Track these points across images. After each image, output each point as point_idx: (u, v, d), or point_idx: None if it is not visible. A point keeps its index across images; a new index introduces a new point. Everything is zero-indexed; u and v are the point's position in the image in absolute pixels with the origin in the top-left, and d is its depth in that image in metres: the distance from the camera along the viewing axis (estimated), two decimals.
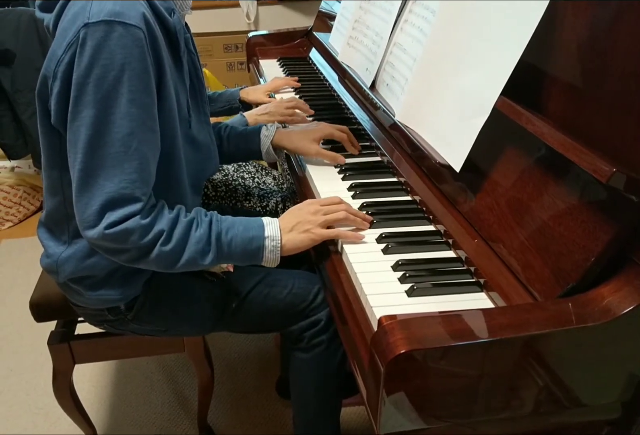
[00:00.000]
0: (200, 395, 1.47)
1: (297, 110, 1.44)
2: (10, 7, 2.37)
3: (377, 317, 0.74)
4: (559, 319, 0.65)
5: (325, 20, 2.04)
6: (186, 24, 1.04)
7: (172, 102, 0.93)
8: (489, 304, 0.80)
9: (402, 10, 1.26)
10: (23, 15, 2.27)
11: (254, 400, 1.63)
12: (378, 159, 1.26)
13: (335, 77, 1.75)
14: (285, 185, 1.62)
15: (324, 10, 2.10)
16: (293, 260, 1.40)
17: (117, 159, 0.84)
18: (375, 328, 0.77)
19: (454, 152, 0.91)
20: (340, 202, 1.00)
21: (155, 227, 0.89)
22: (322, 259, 1.00)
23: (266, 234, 0.95)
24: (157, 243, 0.89)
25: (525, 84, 0.86)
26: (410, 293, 0.80)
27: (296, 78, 1.73)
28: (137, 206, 0.87)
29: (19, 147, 2.42)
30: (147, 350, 1.35)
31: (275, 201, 1.51)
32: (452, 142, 0.93)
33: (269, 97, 1.65)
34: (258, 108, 1.51)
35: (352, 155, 1.26)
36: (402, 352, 0.60)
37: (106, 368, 1.77)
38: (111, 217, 0.85)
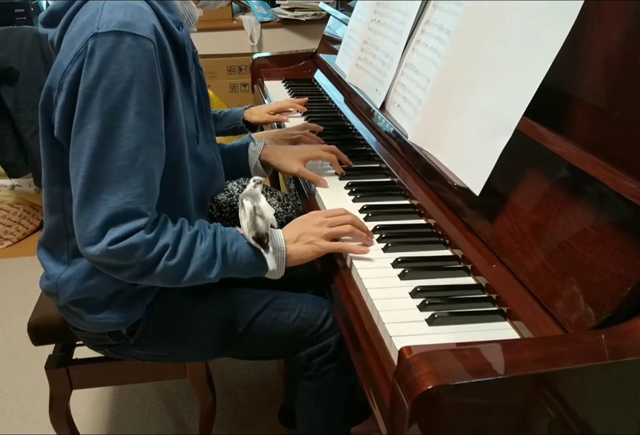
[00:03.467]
0: (201, 423, 1.41)
1: (307, 131, 1.40)
2: (15, 26, 2.37)
3: (398, 348, 0.71)
4: (594, 353, 0.61)
5: (329, 44, 2.04)
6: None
7: (179, 118, 0.91)
8: (514, 334, 0.76)
9: (413, 30, 1.25)
10: (27, 33, 2.26)
11: (258, 429, 1.58)
12: (388, 180, 1.23)
13: (341, 99, 1.74)
14: (290, 206, 1.59)
15: (328, 34, 2.11)
16: (300, 284, 1.37)
17: (123, 173, 0.82)
18: (394, 358, 0.73)
19: (474, 175, 0.88)
20: (346, 213, 0.99)
21: (159, 241, 0.86)
22: (333, 283, 0.96)
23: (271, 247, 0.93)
24: (162, 257, 0.86)
25: (546, 103, 0.84)
26: (430, 322, 0.76)
27: (306, 99, 1.71)
28: (141, 221, 0.84)
29: (19, 166, 2.39)
30: (147, 376, 1.30)
31: (280, 222, 1.48)
32: (471, 164, 0.90)
33: (273, 114, 1.63)
34: (266, 131, 1.49)
35: (361, 176, 1.23)
36: (429, 387, 0.56)
37: (104, 393, 1.72)
38: (114, 232, 0.82)
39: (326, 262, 1.01)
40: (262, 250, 0.91)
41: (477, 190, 0.87)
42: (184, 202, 0.96)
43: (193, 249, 0.89)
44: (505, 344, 0.64)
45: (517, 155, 0.86)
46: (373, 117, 1.43)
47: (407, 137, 1.12)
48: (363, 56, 1.48)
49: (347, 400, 1.19)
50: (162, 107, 0.85)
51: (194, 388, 1.33)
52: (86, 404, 1.67)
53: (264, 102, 1.97)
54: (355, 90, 1.48)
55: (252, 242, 0.91)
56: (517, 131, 0.83)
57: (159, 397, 1.70)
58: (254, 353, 1.14)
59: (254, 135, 1.45)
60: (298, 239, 0.95)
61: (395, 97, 1.26)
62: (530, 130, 0.80)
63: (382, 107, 1.31)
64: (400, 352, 0.67)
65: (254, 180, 0.97)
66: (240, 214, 0.94)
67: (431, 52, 1.14)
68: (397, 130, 1.19)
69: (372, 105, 1.35)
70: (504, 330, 0.77)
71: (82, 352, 1.24)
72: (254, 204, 0.92)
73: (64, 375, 1.23)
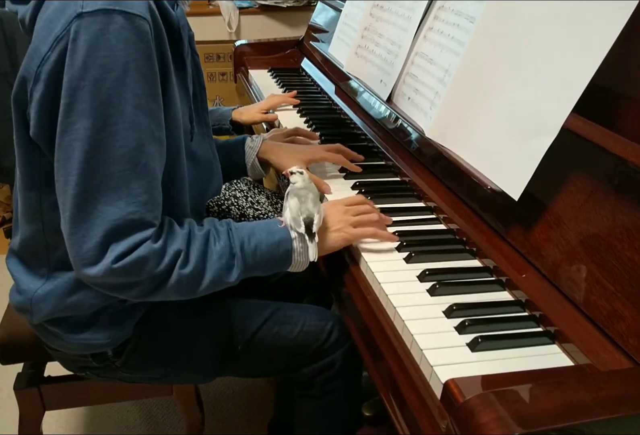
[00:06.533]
0: None
1: (299, 137, 1.28)
2: None
3: (442, 380, 0.61)
4: None
5: (317, 32, 1.93)
6: None
7: (176, 111, 0.79)
8: (566, 360, 0.67)
9: (424, 17, 1.15)
10: None
11: None
12: (398, 179, 1.13)
13: (333, 89, 1.63)
14: (280, 205, 1.48)
15: (314, 22, 2.00)
16: (299, 289, 1.27)
17: (122, 179, 0.69)
18: (435, 390, 0.63)
19: (511, 178, 0.79)
20: (366, 201, 0.95)
21: (169, 248, 0.75)
22: (343, 287, 0.87)
23: (293, 235, 0.84)
24: (175, 266, 0.75)
25: (594, 100, 0.75)
26: (473, 347, 0.67)
27: (294, 92, 1.59)
28: (148, 232, 0.73)
29: None
30: (129, 395, 1.18)
31: None
32: (507, 165, 0.80)
33: (266, 113, 1.50)
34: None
35: (368, 176, 1.13)
36: None
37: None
38: (118, 248, 0.70)
39: (334, 267, 0.92)
40: (307, 238, 0.83)
41: (516, 194, 0.78)
42: (180, 207, 0.84)
43: (207, 251, 0.78)
44: (580, 379, 0.56)
45: (561, 155, 0.77)
46: (374, 109, 1.33)
47: (421, 133, 1.02)
48: (364, 44, 1.37)
49: (353, 418, 1.10)
50: (161, 99, 0.73)
51: (181, 406, 1.21)
52: (57, 419, 1.53)
53: (249, 92, 1.85)
54: (355, 81, 1.38)
55: (302, 229, 0.83)
56: (563, 130, 0.74)
57: (137, 410, 1.57)
58: (254, 371, 1.04)
59: None
60: (326, 227, 0.88)
61: (405, 88, 1.15)
62: (585, 129, 0.71)
63: (389, 100, 1.21)
64: (449, 388, 0.57)
65: (300, 172, 0.90)
66: (288, 203, 0.88)
67: (448, 40, 1.04)
68: (407, 124, 1.09)
69: (376, 98, 1.24)
70: (554, 355, 0.68)
71: (54, 368, 1.10)
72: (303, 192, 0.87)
73: (35, 396, 1.10)
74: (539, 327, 0.72)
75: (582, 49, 0.73)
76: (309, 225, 0.83)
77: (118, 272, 0.71)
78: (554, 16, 0.78)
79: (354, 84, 1.44)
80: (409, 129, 1.12)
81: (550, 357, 0.68)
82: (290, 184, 0.90)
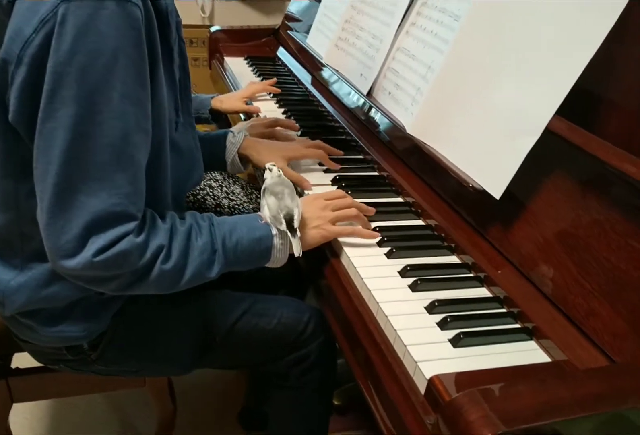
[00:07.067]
0: (159, 432, 1.29)
1: (278, 128, 1.27)
2: None
3: (427, 376, 0.62)
4: None
5: (292, 22, 1.91)
6: None
7: (163, 99, 0.77)
8: (544, 356, 0.69)
9: (406, 12, 1.15)
10: None
11: (213, 432, 1.47)
12: (376, 174, 1.14)
13: (309, 79, 1.63)
14: (254, 195, 1.47)
15: (290, 14, 1.98)
16: (273, 283, 1.27)
17: (106, 169, 0.68)
18: (419, 385, 0.64)
19: (493, 177, 0.80)
20: (345, 196, 0.95)
21: (152, 243, 0.74)
22: (323, 280, 0.87)
23: (274, 232, 0.84)
24: (157, 261, 0.74)
25: (576, 101, 0.76)
26: (455, 343, 0.68)
27: (274, 80, 1.57)
28: (130, 225, 0.71)
29: None
30: (101, 387, 1.16)
31: (247, 213, 1.36)
32: (489, 165, 0.82)
33: (246, 104, 1.48)
34: (235, 127, 1.34)
35: (347, 170, 1.14)
36: None
37: None
38: (98, 240, 0.69)
39: (314, 260, 0.92)
40: (290, 235, 0.83)
41: (497, 193, 0.79)
42: (162, 198, 0.83)
43: (189, 246, 0.78)
44: (561, 377, 0.57)
45: (541, 155, 0.78)
46: (353, 102, 1.33)
47: (402, 129, 1.03)
48: (344, 36, 1.37)
49: (328, 407, 1.11)
50: (149, 88, 0.71)
51: (153, 398, 1.20)
52: (22, 410, 1.49)
53: (224, 79, 1.83)
54: (335, 73, 1.37)
55: (283, 226, 0.83)
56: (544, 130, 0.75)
57: (106, 401, 1.55)
58: (231, 363, 1.04)
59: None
60: (304, 224, 0.87)
61: (386, 83, 1.16)
62: (567, 131, 0.73)
63: (369, 94, 1.21)
64: (432, 383, 0.59)
65: (270, 168, 0.89)
66: (265, 201, 0.87)
67: (431, 36, 1.04)
68: (387, 119, 1.09)
69: (356, 91, 1.24)
70: (532, 352, 0.70)
71: (23, 359, 1.08)
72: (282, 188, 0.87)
73: (3, 388, 1.07)
74: (517, 323, 0.74)
75: (569, 50, 0.74)
76: (289, 221, 0.83)
77: (98, 266, 0.70)
78: (541, 17, 0.79)
79: (331, 75, 1.43)
80: (389, 123, 1.12)
81: (528, 353, 0.70)
82: (264, 182, 0.90)
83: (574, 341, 0.67)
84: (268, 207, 0.85)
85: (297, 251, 0.84)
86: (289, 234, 0.83)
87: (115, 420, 1.50)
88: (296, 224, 0.84)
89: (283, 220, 0.83)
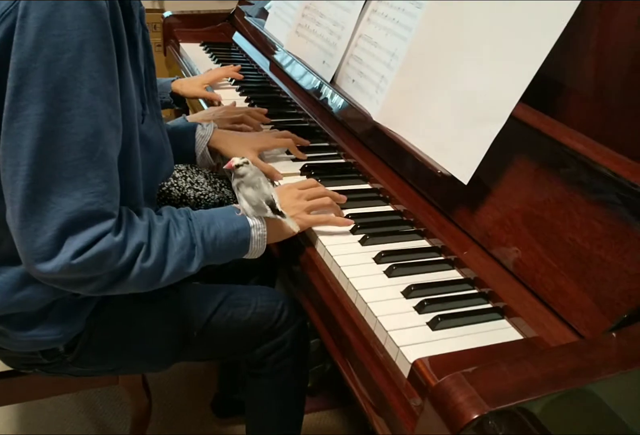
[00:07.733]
0: (133, 427, 1.28)
1: (248, 117, 1.26)
2: None
3: (410, 360, 0.64)
4: (625, 359, 0.59)
5: (246, 8, 1.89)
6: None
7: (130, 92, 0.75)
8: (516, 334, 0.72)
9: None
10: None
11: (187, 422, 1.46)
12: (343, 161, 1.15)
13: (267, 65, 1.62)
14: (218, 184, 1.47)
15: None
16: (244, 272, 1.27)
17: (78, 168, 0.66)
18: (402, 369, 0.66)
19: (461, 163, 0.82)
20: (318, 185, 0.96)
21: (130, 242, 0.72)
22: (297, 267, 0.88)
23: (251, 223, 0.85)
24: (137, 259, 0.73)
25: (539, 88, 0.79)
26: (433, 326, 0.71)
27: (238, 67, 1.55)
28: (108, 224, 0.69)
29: None
30: (74, 387, 1.14)
31: (213, 203, 1.36)
32: (456, 151, 0.84)
33: (206, 90, 1.46)
34: (203, 112, 1.32)
35: (314, 158, 1.14)
36: (475, 417, 0.51)
37: None
38: (75, 242, 0.67)
39: (288, 248, 0.93)
40: (280, 217, 0.85)
41: (465, 179, 0.82)
42: (133, 193, 0.81)
43: (168, 243, 0.77)
44: (538, 354, 0.60)
45: (506, 140, 0.81)
46: (315, 89, 1.33)
47: (367, 116, 1.04)
48: (304, 23, 1.36)
49: (303, 391, 1.13)
50: (117, 81, 0.69)
51: (128, 393, 1.19)
52: None
53: (181, 65, 1.79)
54: (295, 60, 1.36)
55: (269, 213, 0.85)
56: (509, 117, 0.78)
57: (75, 400, 1.52)
58: (209, 355, 1.04)
59: (188, 117, 1.28)
60: None
61: (349, 71, 1.16)
62: (531, 117, 0.75)
63: (332, 81, 1.21)
64: (416, 367, 0.61)
65: (238, 165, 0.88)
66: (242, 194, 0.87)
67: (393, 23, 1.05)
68: (352, 107, 1.10)
69: (319, 78, 1.24)
70: (504, 330, 0.73)
71: None
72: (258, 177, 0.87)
73: None
74: (488, 303, 0.77)
75: (532, 37, 0.76)
76: (272, 206, 0.84)
77: (77, 268, 0.68)
78: (504, 2, 0.81)
79: (291, 61, 1.43)
80: (354, 111, 1.13)
81: (501, 331, 0.73)
82: (238, 177, 0.88)
83: (544, 318, 0.71)
84: (247, 198, 0.85)
85: (295, 228, 0.86)
86: (278, 216, 0.84)
87: (86, 419, 1.47)
88: (279, 207, 0.85)
89: (267, 207, 0.84)
